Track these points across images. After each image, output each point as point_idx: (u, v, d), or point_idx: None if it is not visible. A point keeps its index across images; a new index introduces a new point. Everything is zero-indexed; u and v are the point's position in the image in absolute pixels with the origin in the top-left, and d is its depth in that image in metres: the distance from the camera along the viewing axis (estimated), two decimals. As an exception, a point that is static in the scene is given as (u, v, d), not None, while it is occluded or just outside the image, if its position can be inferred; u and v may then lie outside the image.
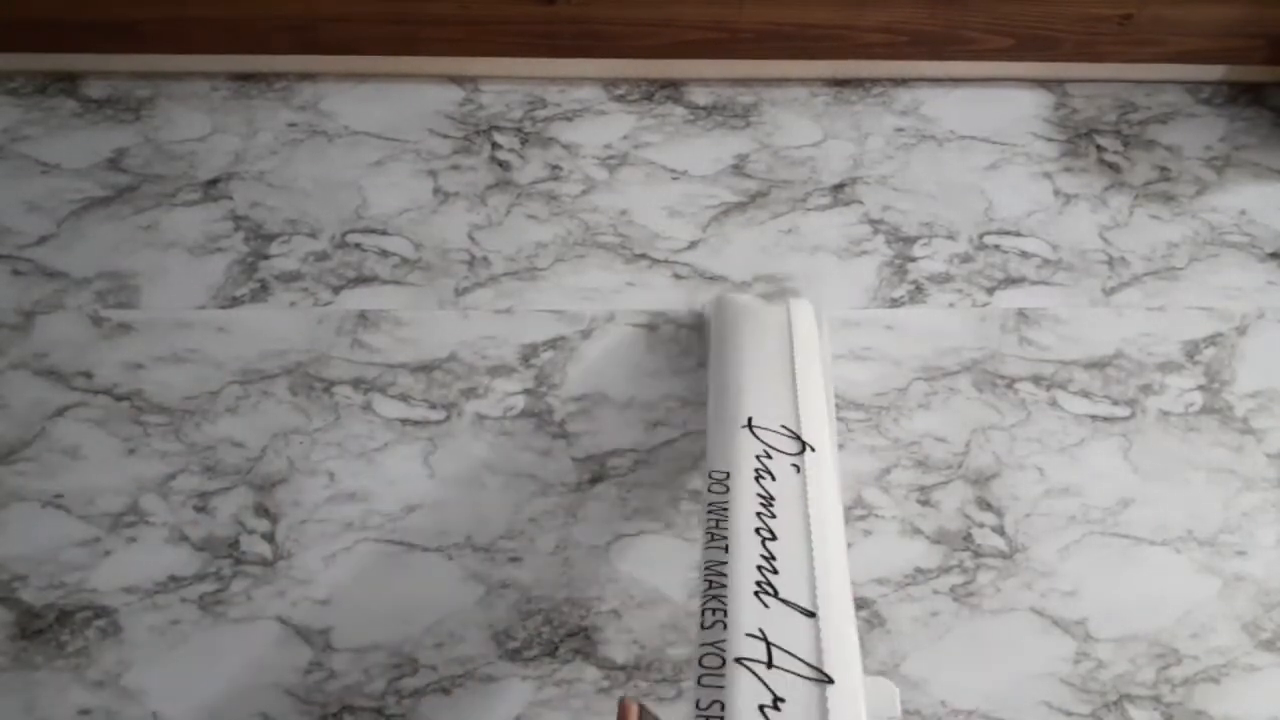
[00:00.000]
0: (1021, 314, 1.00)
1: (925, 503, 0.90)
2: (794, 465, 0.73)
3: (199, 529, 0.87)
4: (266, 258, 1.02)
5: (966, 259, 1.03)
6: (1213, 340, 0.99)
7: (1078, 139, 1.12)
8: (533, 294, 1.00)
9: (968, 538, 0.88)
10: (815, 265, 1.02)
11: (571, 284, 1.01)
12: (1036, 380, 0.96)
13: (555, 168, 1.09)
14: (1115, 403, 0.95)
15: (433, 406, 0.94)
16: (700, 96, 1.14)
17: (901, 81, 1.15)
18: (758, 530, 0.67)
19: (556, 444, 0.92)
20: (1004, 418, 0.94)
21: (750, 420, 0.76)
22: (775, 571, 0.65)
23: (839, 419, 0.93)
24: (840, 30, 1.10)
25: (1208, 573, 0.87)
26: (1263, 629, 0.84)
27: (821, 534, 0.68)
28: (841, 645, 0.61)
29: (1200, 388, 0.96)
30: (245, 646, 0.82)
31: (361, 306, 0.99)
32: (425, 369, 0.96)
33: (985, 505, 0.90)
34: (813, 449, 0.74)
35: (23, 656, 0.82)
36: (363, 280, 1.01)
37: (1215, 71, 1.15)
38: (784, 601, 0.63)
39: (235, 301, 0.99)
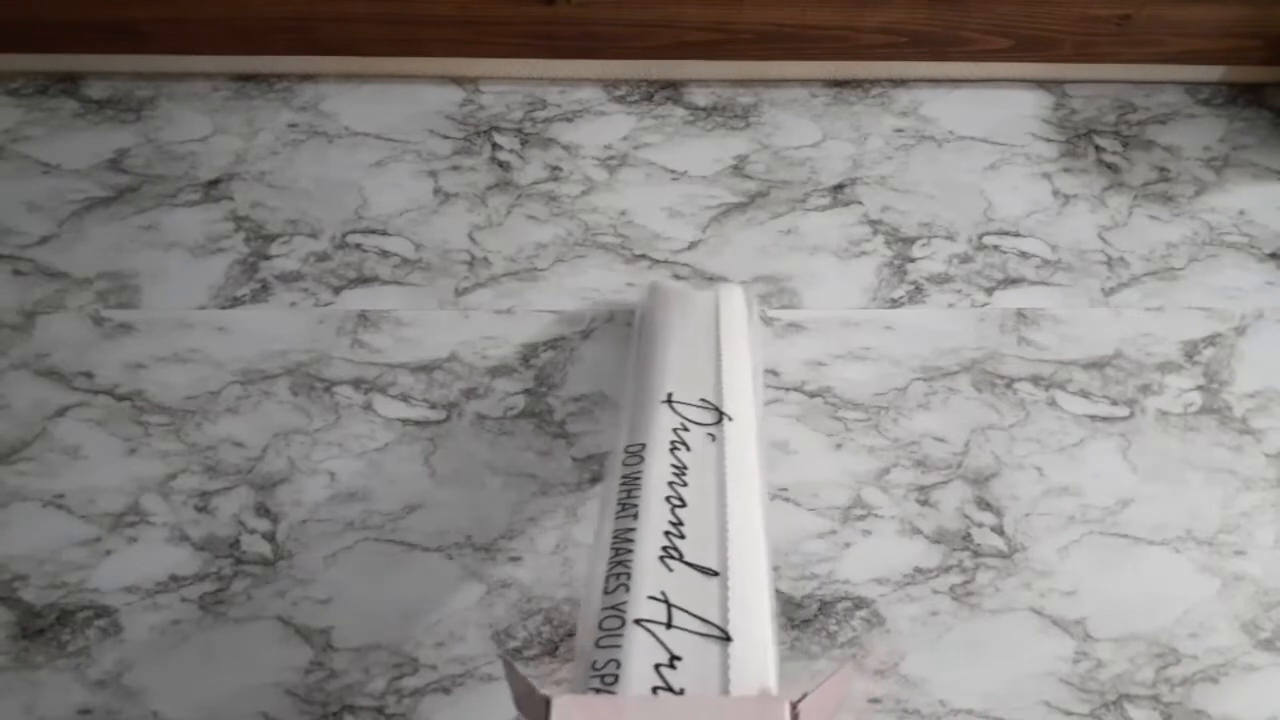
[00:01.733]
0: (1020, 314, 1.00)
1: (924, 502, 0.90)
2: (710, 434, 0.73)
3: (200, 529, 0.87)
4: (267, 258, 1.02)
5: (966, 259, 1.04)
6: (1212, 340, 0.99)
7: (1077, 139, 1.12)
8: (533, 294, 1.00)
9: (967, 537, 0.88)
10: (815, 265, 1.03)
11: (571, 284, 1.01)
12: (1035, 380, 0.96)
13: (555, 168, 1.09)
14: (1114, 403, 0.95)
15: (433, 406, 0.94)
16: (700, 97, 1.14)
17: (901, 82, 1.16)
18: (668, 498, 0.67)
19: (556, 444, 0.92)
20: (1003, 418, 0.94)
21: (670, 395, 0.75)
22: (683, 536, 0.64)
23: (836, 418, 0.93)
24: (840, 31, 1.10)
25: (1207, 572, 0.87)
26: (1261, 629, 0.85)
27: (737, 497, 0.67)
28: (746, 605, 0.60)
29: (1199, 388, 0.96)
30: (246, 646, 0.83)
31: (362, 307, 0.99)
32: (425, 369, 0.96)
33: (984, 505, 0.90)
34: (730, 418, 0.74)
35: (23, 656, 0.82)
36: (363, 280, 1.01)
37: (1214, 72, 1.15)
38: (688, 564, 0.63)
39: (236, 302, 0.99)
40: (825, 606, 0.85)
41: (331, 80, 1.14)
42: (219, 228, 1.04)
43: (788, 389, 0.95)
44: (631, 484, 0.69)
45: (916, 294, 1.01)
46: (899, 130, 1.12)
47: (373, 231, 1.04)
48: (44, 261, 1.01)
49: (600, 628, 0.60)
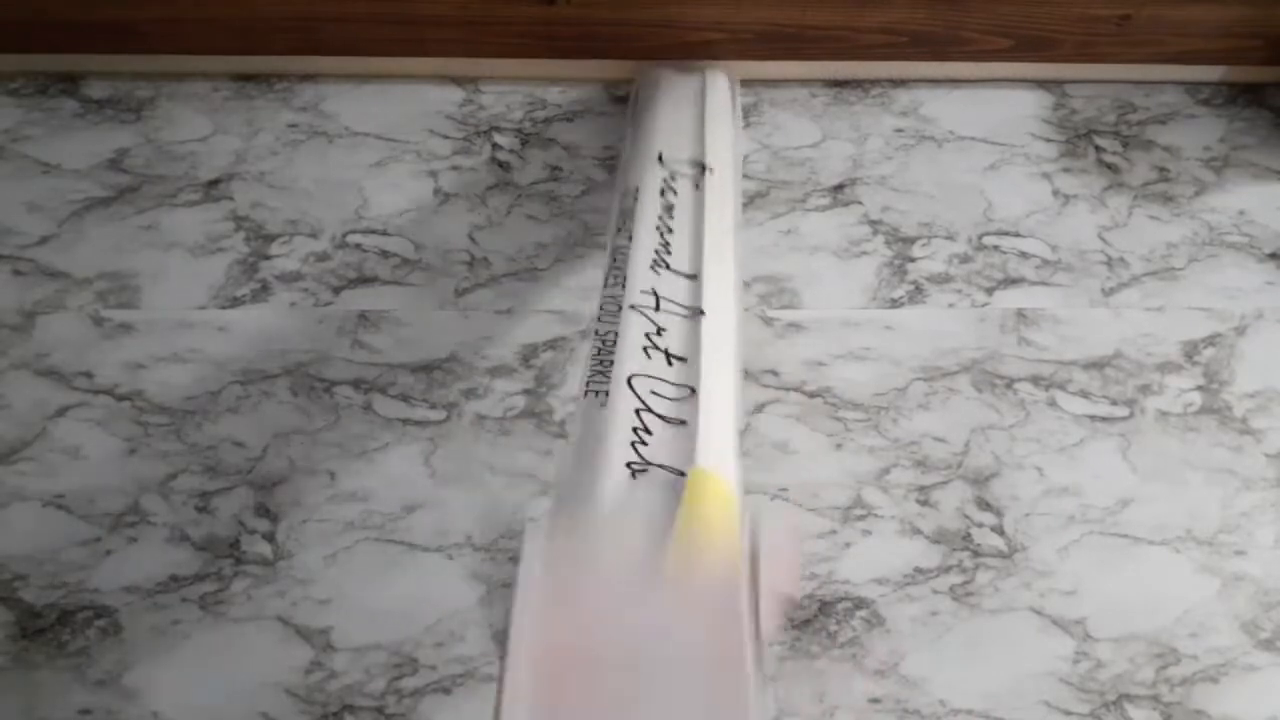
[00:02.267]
0: (1021, 314, 1.00)
1: (924, 503, 0.90)
2: (694, 184, 0.87)
3: (200, 529, 0.87)
4: (267, 258, 1.02)
5: (966, 259, 1.04)
6: (1211, 340, 0.99)
7: (1077, 139, 1.12)
8: (533, 294, 1.00)
9: (967, 537, 0.88)
10: (815, 266, 1.03)
11: (571, 284, 1.01)
12: (1035, 380, 0.96)
13: (555, 168, 1.09)
14: (1114, 403, 0.95)
15: (433, 406, 0.94)
16: (700, 97, 1.14)
17: (900, 82, 1.16)
18: (658, 226, 0.82)
19: (556, 444, 0.92)
20: (1003, 418, 0.94)
21: (661, 154, 0.90)
22: (669, 253, 0.79)
23: (836, 418, 0.93)
24: (840, 31, 1.10)
25: (1207, 572, 0.87)
26: (1262, 629, 0.85)
27: (713, 226, 0.82)
28: (719, 296, 0.76)
29: (1199, 388, 0.96)
30: (246, 646, 0.83)
31: (362, 307, 0.99)
32: (425, 369, 0.96)
33: (984, 505, 0.90)
34: (712, 170, 0.88)
35: (23, 656, 0.82)
36: (363, 280, 1.01)
37: (1214, 72, 1.15)
38: (673, 270, 0.78)
39: (236, 302, 0.99)
40: (825, 607, 0.85)
41: (332, 80, 1.14)
42: (219, 228, 1.04)
43: (788, 389, 0.95)
44: (627, 217, 0.84)
45: (916, 294, 1.01)
46: (899, 130, 1.12)
47: (373, 231, 1.04)
48: (44, 261, 1.01)
49: (601, 309, 0.76)
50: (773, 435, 0.92)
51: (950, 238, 1.05)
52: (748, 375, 0.95)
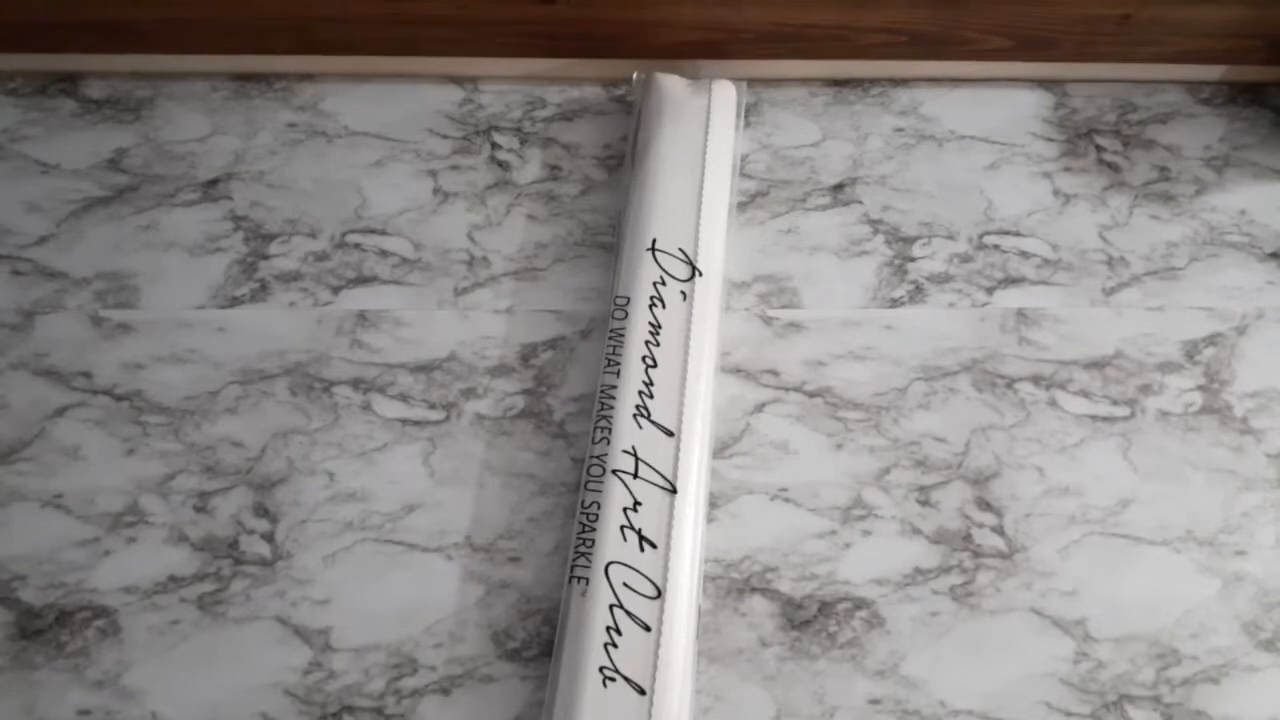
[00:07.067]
0: (1021, 314, 1.00)
1: (925, 503, 0.90)
2: (682, 292, 0.89)
3: (198, 529, 0.87)
4: (266, 258, 1.02)
5: (966, 259, 1.03)
6: (1212, 340, 0.99)
7: (1077, 139, 1.12)
8: (532, 294, 1.00)
9: (967, 538, 0.88)
10: (815, 265, 1.02)
11: (571, 284, 1.01)
12: (1036, 380, 0.96)
13: (555, 168, 1.09)
14: (1115, 403, 0.95)
15: (432, 406, 0.94)
16: (700, 97, 1.13)
17: (901, 82, 1.16)
18: (644, 358, 0.85)
19: (556, 444, 0.92)
20: (1003, 418, 0.94)
21: (654, 242, 0.92)
22: (651, 396, 0.84)
23: (836, 418, 0.93)
24: (840, 30, 1.10)
25: (1207, 573, 0.87)
26: (1262, 629, 0.84)
27: (696, 361, 0.86)
28: (690, 463, 0.82)
29: (1200, 388, 0.96)
30: (245, 646, 0.82)
31: (361, 306, 0.99)
32: (425, 369, 0.96)
33: (985, 505, 0.90)
34: (701, 273, 0.91)
35: (22, 656, 0.82)
36: (362, 280, 1.01)
37: (1215, 72, 1.15)
38: (654, 423, 0.83)
39: (235, 301, 0.99)
40: (825, 607, 0.84)
41: (330, 80, 1.14)
42: (218, 227, 1.04)
43: (788, 389, 0.95)
44: (617, 339, 0.87)
45: (917, 294, 1.01)
46: (899, 130, 1.12)
47: (372, 231, 1.04)
48: (43, 261, 1.01)
49: (588, 474, 0.82)
50: (773, 435, 0.92)
51: (950, 237, 1.05)
52: (748, 375, 0.95)
